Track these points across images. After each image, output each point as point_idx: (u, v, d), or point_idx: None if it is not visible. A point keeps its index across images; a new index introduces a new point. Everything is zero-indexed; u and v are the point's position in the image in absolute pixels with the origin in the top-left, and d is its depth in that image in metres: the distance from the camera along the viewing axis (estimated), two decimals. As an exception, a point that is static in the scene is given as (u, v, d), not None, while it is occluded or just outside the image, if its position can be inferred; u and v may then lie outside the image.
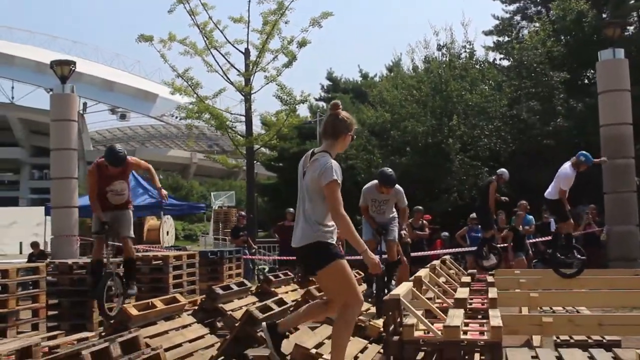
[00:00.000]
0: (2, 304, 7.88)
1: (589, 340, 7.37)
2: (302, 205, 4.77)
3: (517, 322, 6.51)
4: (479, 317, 6.38)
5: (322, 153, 4.74)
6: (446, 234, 17.29)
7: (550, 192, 10.37)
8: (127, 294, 8.51)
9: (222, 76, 21.92)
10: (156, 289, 9.87)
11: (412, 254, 13.12)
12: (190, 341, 6.21)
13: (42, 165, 59.75)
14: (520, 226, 14.68)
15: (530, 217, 15.11)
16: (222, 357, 5.96)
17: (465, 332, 5.38)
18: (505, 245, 14.69)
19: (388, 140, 24.46)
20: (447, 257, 10.91)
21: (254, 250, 17.66)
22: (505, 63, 27.58)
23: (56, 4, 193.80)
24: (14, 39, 73.37)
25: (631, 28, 25.05)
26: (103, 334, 6.40)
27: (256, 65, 21.65)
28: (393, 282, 8.51)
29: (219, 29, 21.51)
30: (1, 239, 33.70)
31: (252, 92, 21.83)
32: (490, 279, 9.08)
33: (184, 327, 6.46)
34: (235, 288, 7.87)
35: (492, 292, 7.14)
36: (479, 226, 13.83)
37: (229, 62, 21.94)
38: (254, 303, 7.33)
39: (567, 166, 10.21)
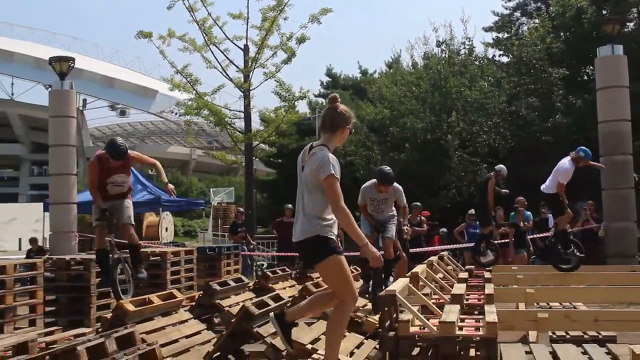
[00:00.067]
0: (0, 300, 7.90)
1: (585, 336, 7.38)
2: (301, 199, 4.78)
3: (512, 318, 6.54)
4: (476, 312, 6.39)
5: (320, 147, 4.75)
6: (444, 230, 17.30)
7: (547, 185, 10.38)
8: (138, 278, 8.56)
9: (221, 72, 21.94)
10: (154, 285, 9.87)
11: (410, 250, 13.13)
12: (187, 337, 6.21)
13: (42, 162, 59.70)
14: (522, 222, 14.70)
15: (528, 213, 15.12)
16: (218, 353, 5.97)
17: (460, 328, 5.39)
18: (507, 241, 14.72)
19: (387, 136, 24.48)
20: (445, 253, 10.93)
21: (252, 247, 17.66)
22: (505, 59, 27.63)
23: (56, 0, 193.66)
24: (14, 35, 73.35)
25: (631, 24, 25.00)
26: (100, 329, 6.41)
27: (255, 62, 21.64)
28: (391, 279, 8.51)
29: (218, 25, 21.52)
30: (1, 235, 33.76)
31: (251, 88, 21.82)
32: (487, 275, 9.09)
33: (181, 323, 6.47)
34: (233, 284, 7.87)
35: (489, 288, 7.15)
36: (477, 222, 13.86)
37: (228, 58, 21.97)
38: (251, 299, 7.33)
39: (566, 161, 10.23)
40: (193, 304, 7.66)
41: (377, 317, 6.78)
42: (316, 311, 5.13)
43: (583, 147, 10.36)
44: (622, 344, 5.28)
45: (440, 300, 6.87)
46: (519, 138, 22.42)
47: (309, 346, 5.57)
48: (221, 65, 21.79)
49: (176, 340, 6.00)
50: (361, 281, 9.07)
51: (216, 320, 7.67)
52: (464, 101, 23.02)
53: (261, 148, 26.51)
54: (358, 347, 6.17)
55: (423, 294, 6.84)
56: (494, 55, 28.52)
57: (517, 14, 30.65)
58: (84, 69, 61.74)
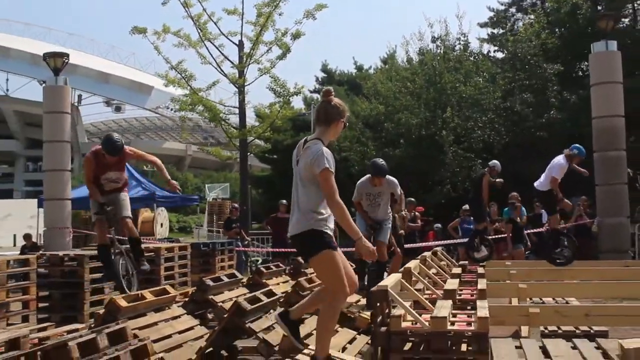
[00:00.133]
0: (-7, 296, 7.89)
1: (577, 331, 7.41)
2: (296, 193, 4.78)
3: (504, 313, 6.54)
4: (468, 308, 6.41)
5: (314, 140, 4.76)
6: (439, 225, 17.32)
7: (541, 182, 10.40)
8: (141, 271, 8.57)
9: (215, 68, 21.91)
10: (148, 281, 9.86)
11: (405, 246, 13.14)
12: (180, 332, 6.21)
13: (37, 158, 59.56)
14: (518, 218, 14.73)
15: (522, 208, 15.14)
16: (211, 349, 5.98)
17: (452, 323, 5.41)
18: (503, 236, 14.76)
19: (382, 132, 24.49)
20: (439, 248, 10.94)
21: (246, 242, 17.65)
22: (500, 55, 27.65)
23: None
24: (12, 31, 73.15)
25: (626, 20, 25.07)
26: (93, 325, 6.41)
27: (250, 58, 21.61)
28: (385, 275, 8.53)
29: (212, 21, 21.46)
30: (-4, 232, 33.64)
31: (245, 84, 21.81)
32: (480, 270, 9.12)
33: (174, 318, 6.47)
34: (226, 280, 7.88)
35: (482, 284, 7.17)
36: (471, 218, 13.89)
37: (222, 54, 21.92)
38: (244, 294, 7.34)
39: (560, 158, 10.26)
40: (186, 299, 7.66)
41: (370, 312, 6.79)
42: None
43: (577, 145, 10.39)
44: (612, 339, 5.30)
45: (433, 296, 6.88)
46: (514, 134, 22.47)
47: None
48: (216, 61, 21.79)
49: (169, 336, 6.00)
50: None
51: (210, 316, 7.67)
52: (459, 97, 23.05)
53: (256, 144, 26.51)
54: (350, 342, 6.19)
55: (416, 290, 6.85)
56: (489, 51, 28.59)
57: (513, 9, 30.64)
58: (79, 64, 61.67)
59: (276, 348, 5.62)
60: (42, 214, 18.27)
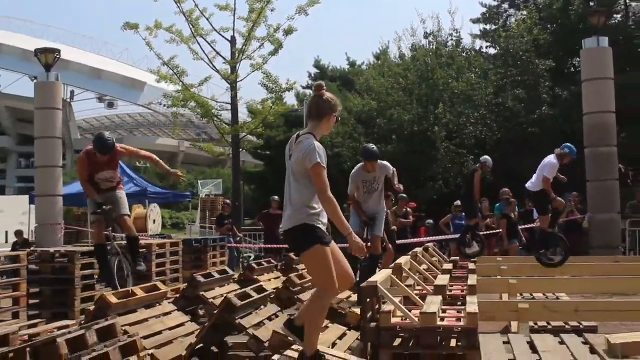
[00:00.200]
0: (-17, 293, 7.88)
1: (567, 327, 7.44)
2: (289, 188, 4.77)
3: (494, 309, 6.58)
4: (458, 304, 6.43)
5: (306, 135, 4.75)
6: (431, 221, 17.35)
7: (533, 183, 10.42)
8: (137, 271, 8.58)
9: (208, 64, 21.86)
10: (139, 277, 9.83)
11: (397, 242, 13.16)
12: (171, 329, 6.21)
13: (29, 154, 59.26)
14: (513, 213, 14.76)
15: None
16: (201, 345, 5.98)
17: (442, 319, 5.43)
18: (495, 232, 14.81)
19: (374, 128, 24.50)
20: (430, 244, 10.97)
21: (239, 239, 17.66)
22: (492, 51, 27.72)
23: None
24: (3, 27, 72.77)
25: (618, 16, 25.14)
26: (83, 322, 6.40)
27: (242, 53, 21.57)
28: (377, 272, 8.53)
29: (205, 16, 21.40)
30: (-13, 229, 33.53)
31: (238, 80, 21.78)
32: (472, 266, 9.15)
33: (165, 315, 6.46)
34: (217, 276, 7.87)
35: (472, 279, 7.19)
36: (463, 214, 13.93)
37: (215, 50, 21.87)
38: (235, 291, 7.34)
39: (551, 157, 10.27)
40: (178, 296, 7.66)
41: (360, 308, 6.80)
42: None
43: (568, 144, 10.41)
44: (600, 334, 5.33)
45: (423, 292, 6.90)
46: (506, 130, 22.53)
47: (290, 337, 5.58)
48: (208, 57, 21.74)
49: (159, 332, 6.00)
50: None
51: (201, 313, 7.68)
52: (451, 93, 23.09)
53: (248, 140, 26.48)
54: (341, 338, 6.19)
55: (406, 286, 6.87)
56: (481, 47, 28.66)
57: (505, 5, 30.66)
58: (72, 60, 61.43)
59: (266, 344, 5.62)
60: (34, 211, 18.22)
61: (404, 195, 15.53)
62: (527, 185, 10.55)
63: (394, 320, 5.41)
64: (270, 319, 6.34)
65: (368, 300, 5.65)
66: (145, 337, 5.62)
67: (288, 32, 21.29)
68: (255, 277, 8.71)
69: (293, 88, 23.48)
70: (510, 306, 6.62)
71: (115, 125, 77.56)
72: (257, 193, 36.05)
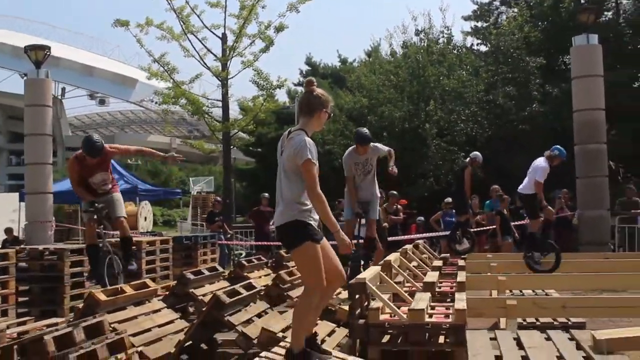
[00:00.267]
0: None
1: (555, 323, 7.48)
2: (280, 184, 4.77)
3: (482, 305, 6.60)
4: (447, 300, 6.46)
5: (298, 131, 4.75)
6: (421, 218, 17.36)
7: (524, 186, 10.46)
8: (128, 270, 8.57)
9: (198, 61, 21.88)
10: (129, 275, 9.83)
11: (388, 239, 13.17)
12: (160, 326, 6.22)
13: (20, 151, 58.82)
14: (505, 210, 14.79)
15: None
16: (190, 342, 5.99)
17: (430, 316, 5.45)
18: (485, 229, 14.84)
19: (365, 125, 24.42)
20: (421, 241, 10.98)
21: (229, 236, 17.65)
22: (483, 48, 27.75)
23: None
24: (1, 24, 72.36)
25: (609, 14, 25.19)
26: (72, 319, 6.40)
27: (233, 51, 21.58)
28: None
29: (195, 13, 21.41)
30: (-22, 226, 33.34)
31: (229, 77, 21.78)
32: (461, 262, 9.19)
33: (154, 312, 6.47)
34: (207, 273, 7.88)
35: (461, 276, 7.23)
36: (453, 210, 13.95)
37: (205, 47, 21.89)
38: (225, 288, 7.34)
39: (541, 160, 10.32)
40: (167, 293, 7.66)
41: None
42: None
43: (558, 146, 10.46)
44: (586, 330, 5.37)
45: (413, 289, 6.93)
46: (497, 127, 22.57)
47: (280, 334, 5.60)
48: (199, 54, 21.76)
49: (148, 330, 6.01)
50: None
51: (191, 310, 7.68)
52: (442, 90, 23.12)
53: (240, 137, 26.47)
54: (330, 334, 6.21)
55: (396, 283, 6.90)
56: (472, 44, 28.68)
57: (497, 2, 30.65)
58: (63, 57, 61.13)
59: (255, 341, 5.64)
60: (24, 208, 18.15)
61: (394, 192, 15.57)
62: (518, 188, 10.61)
63: (382, 316, 5.43)
64: (259, 315, 6.35)
65: (357, 296, 5.67)
66: (134, 334, 5.63)
67: (279, 29, 21.31)
68: (246, 274, 8.72)
69: (284, 85, 23.49)
70: (498, 302, 6.64)
71: (107, 122, 77.32)
72: (248, 190, 35.97)
